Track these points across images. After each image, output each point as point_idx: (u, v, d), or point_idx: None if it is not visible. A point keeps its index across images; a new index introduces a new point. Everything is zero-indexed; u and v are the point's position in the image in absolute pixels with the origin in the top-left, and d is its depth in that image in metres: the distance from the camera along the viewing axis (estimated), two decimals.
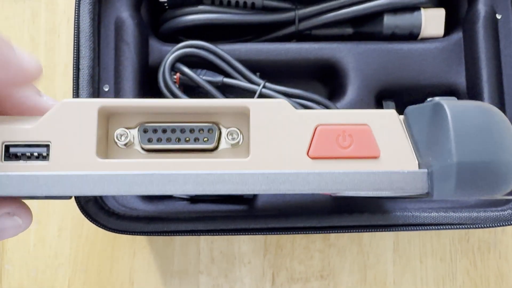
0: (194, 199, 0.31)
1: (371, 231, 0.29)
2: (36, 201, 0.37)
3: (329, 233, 0.30)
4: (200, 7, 0.33)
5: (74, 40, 0.30)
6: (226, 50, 0.32)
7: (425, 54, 0.33)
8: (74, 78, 0.29)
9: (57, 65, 0.39)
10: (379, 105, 0.34)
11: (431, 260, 0.38)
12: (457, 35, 0.33)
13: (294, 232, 0.29)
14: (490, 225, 0.29)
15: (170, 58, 0.31)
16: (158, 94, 0.32)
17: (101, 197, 0.30)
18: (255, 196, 0.31)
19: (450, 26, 0.34)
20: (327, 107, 0.31)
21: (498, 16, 0.32)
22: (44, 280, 0.37)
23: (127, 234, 0.29)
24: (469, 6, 0.33)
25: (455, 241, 0.38)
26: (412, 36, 0.33)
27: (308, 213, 0.29)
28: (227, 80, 0.31)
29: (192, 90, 0.32)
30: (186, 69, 0.31)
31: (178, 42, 0.33)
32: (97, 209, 0.29)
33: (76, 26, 0.30)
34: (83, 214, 0.29)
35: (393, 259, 0.38)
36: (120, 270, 0.37)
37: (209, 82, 0.31)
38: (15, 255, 0.37)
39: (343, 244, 0.38)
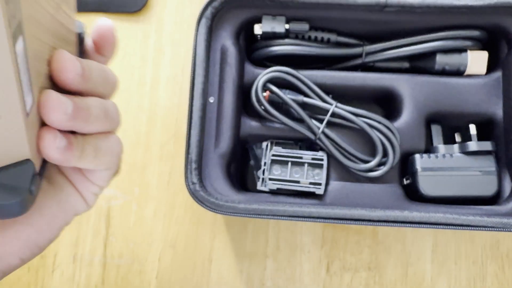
0: (275, 192, 0.39)
1: (421, 227, 0.36)
2: (138, 187, 0.45)
3: (390, 226, 0.36)
4: (287, 40, 0.41)
5: (192, 62, 0.38)
6: (305, 75, 0.40)
7: (469, 88, 0.40)
8: (190, 91, 0.38)
9: (161, 78, 0.48)
10: (428, 127, 0.41)
11: (465, 262, 0.44)
12: (497, 74, 0.40)
13: (356, 223, 0.36)
14: None
15: (262, 79, 0.39)
16: (250, 108, 0.40)
17: (204, 186, 0.38)
18: (325, 192, 0.38)
19: (492, 66, 0.41)
20: (387, 126, 0.39)
21: None
22: (139, 252, 0.45)
23: (224, 214, 0.37)
24: (508, 50, 0.40)
25: (487, 247, 0.44)
26: (459, 72, 0.40)
27: (372, 206, 0.36)
28: (307, 99, 0.39)
29: (277, 105, 0.40)
30: (275, 88, 0.39)
31: (265, 66, 0.41)
32: (204, 195, 0.37)
33: (194, 52, 0.38)
34: (193, 198, 0.37)
35: (432, 259, 0.44)
36: (202, 249, 0.45)
37: (293, 100, 0.39)
38: (118, 229, 0.46)
39: (389, 242, 0.44)
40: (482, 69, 0.40)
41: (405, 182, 0.40)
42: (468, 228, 0.36)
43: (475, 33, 0.40)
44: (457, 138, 0.41)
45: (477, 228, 0.35)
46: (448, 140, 0.41)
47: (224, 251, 0.45)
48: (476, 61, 0.40)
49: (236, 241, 0.45)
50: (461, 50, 0.40)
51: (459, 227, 0.36)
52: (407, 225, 0.36)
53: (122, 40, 0.48)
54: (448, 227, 0.36)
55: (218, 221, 0.45)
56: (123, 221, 0.46)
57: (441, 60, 0.40)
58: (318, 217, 0.37)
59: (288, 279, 0.45)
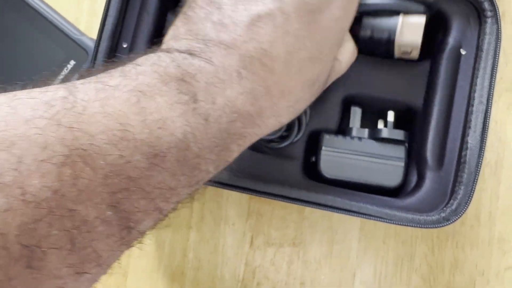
0: None
1: (304, 205, 0.34)
2: None
3: (296, 204, 0.34)
4: None
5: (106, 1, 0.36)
6: None
7: (395, 73, 0.37)
8: (99, 32, 0.36)
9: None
10: (347, 109, 0.38)
11: (393, 242, 0.42)
12: (428, 62, 0.37)
13: (259, 195, 0.34)
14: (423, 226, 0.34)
15: None
16: None
17: None
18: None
19: (424, 54, 0.36)
20: None
21: (463, 52, 0.35)
22: None
23: None
24: (442, 37, 0.36)
25: (417, 228, 0.42)
26: (389, 40, 0.37)
27: (269, 180, 0.34)
28: None
29: None
30: None
31: None
32: None
33: None
34: None
35: (359, 237, 0.42)
36: None
37: None
38: None
39: (316, 218, 0.43)
40: (417, 37, 0.37)
41: (313, 160, 0.38)
42: (354, 214, 0.33)
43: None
44: (380, 125, 0.39)
45: (363, 216, 0.33)
46: (371, 126, 0.39)
47: None
48: (410, 27, 0.37)
49: None
50: (392, 12, 0.37)
51: (344, 212, 0.33)
52: (287, 200, 0.34)
53: None
54: (334, 210, 0.33)
55: None
56: None
57: (368, 22, 0.37)
58: None
59: (211, 251, 0.43)
